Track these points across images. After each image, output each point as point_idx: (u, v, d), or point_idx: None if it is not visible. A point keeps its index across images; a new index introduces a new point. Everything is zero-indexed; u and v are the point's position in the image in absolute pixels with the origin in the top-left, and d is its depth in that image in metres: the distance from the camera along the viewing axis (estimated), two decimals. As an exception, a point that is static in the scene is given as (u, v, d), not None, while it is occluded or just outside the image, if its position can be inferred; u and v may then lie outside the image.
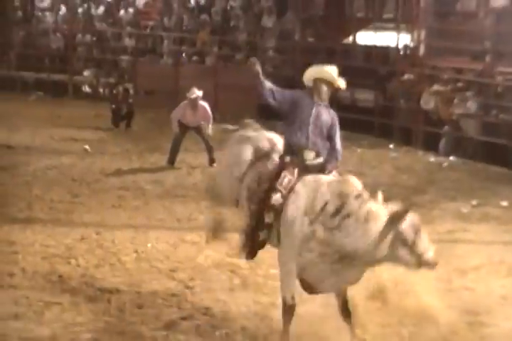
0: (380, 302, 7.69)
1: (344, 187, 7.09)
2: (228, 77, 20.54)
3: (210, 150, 14.65)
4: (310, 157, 7.41)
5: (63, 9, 24.91)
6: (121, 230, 10.79)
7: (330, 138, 7.54)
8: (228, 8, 22.92)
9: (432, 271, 7.04)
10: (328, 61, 19.45)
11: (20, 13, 25.31)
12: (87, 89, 23.06)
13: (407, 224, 6.78)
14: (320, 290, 7.32)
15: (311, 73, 7.70)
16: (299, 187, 7.20)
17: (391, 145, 17.38)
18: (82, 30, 24.16)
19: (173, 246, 10.20)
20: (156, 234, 10.61)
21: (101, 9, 24.66)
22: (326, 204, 6.98)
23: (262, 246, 7.45)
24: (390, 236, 6.78)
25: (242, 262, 9.58)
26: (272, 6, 21.63)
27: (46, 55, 23.97)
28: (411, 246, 6.78)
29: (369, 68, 19.09)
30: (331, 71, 7.62)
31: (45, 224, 10.99)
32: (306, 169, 7.36)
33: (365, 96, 19.00)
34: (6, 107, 20.08)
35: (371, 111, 18.62)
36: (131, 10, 24.25)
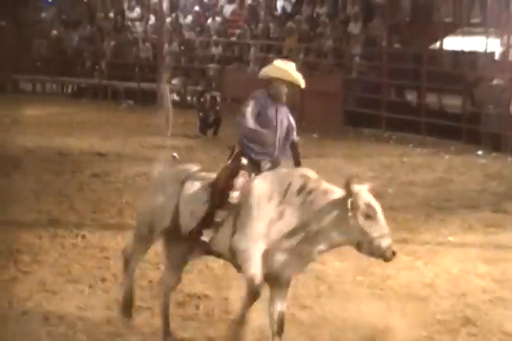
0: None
1: (304, 171, 7.15)
2: (314, 83, 20.50)
3: (296, 155, 14.68)
4: (266, 167, 7.28)
5: (152, 19, 25.25)
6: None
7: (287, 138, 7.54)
8: (314, 15, 22.90)
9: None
10: (415, 67, 19.62)
11: (111, 24, 25.66)
12: (175, 97, 23.29)
13: (357, 203, 6.75)
14: (278, 273, 7.06)
15: (270, 71, 7.47)
16: (258, 180, 7.10)
17: (479, 152, 17.14)
18: (170, 40, 24.41)
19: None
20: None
21: (189, 18, 24.92)
22: (290, 184, 6.92)
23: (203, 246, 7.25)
24: (343, 215, 6.74)
25: (330, 269, 9.64)
26: (359, 13, 21.54)
27: (136, 64, 24.30)
28: (362, 228, 6.72)
29: (456, 74, 18.87)
30: (291, 69, 7.43)
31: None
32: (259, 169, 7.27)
33: (453, 102, 18.79)
34: (98, 115, 20.47)
35: (459, 117, 18.37)
36: (218, 19, 24.42)
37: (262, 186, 7.08)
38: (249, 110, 7.30)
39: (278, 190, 6.96)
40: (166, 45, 24.22)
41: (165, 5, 24.73)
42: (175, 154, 16.18)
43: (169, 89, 22.97)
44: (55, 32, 25.59)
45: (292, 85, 7.46)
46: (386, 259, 6.77)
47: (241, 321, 7.04)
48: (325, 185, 6.99)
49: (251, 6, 24.45)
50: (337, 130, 19.72)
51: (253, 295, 6.97)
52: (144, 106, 22.33)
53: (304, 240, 6.87)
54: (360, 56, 21.18)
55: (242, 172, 7.21)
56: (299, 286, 9.00)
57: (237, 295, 8.68)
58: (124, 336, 7.45)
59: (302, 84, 7.47)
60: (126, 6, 26.16)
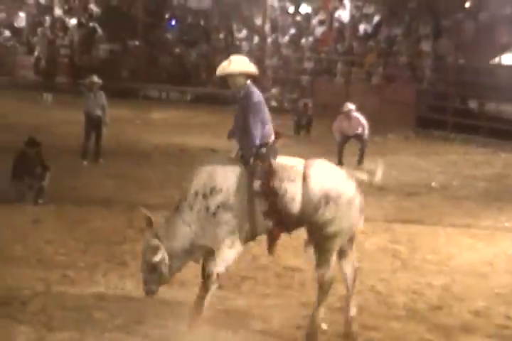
0: None
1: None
2: (391, 93, 20.35)
3: (362, 153, 14.57)
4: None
5: (256, 39, 25.35)
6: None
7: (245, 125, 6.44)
8: (391, 35, 22.69)
9: None
10: (477, 79, 19.29)
11: (222, 43, 25.87)
12: (274, 103, 23.35)
13: None
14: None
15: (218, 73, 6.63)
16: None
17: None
18: (270, 56, 24.49)
19: (344, 234, 10.19)
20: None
21: (286, 38, 24.94)
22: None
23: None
24: None
25: (403, 248, 9.54)
26: (429, 33, 21.27)
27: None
28: None
29: (512, 85, 18.57)
30: (224, 63, 6.58)
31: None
32: None
33: (509, 109, 18.46)
34: (211, 118, 20.64)
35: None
36: (310, 38, 24.40)
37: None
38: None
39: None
40: (267, 60, 24.31)
41: (267, 27, 24.81)
42: (274, 150, 16.23)
43: (270, 96, 23.22)
44: (177, 50, 25.94)
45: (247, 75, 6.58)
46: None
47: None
48: None
49: (338, 28, 24.37)
50: (410, 132, 19.52)
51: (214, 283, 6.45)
52: (249, 110, 22.36)
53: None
54: (430, 69, 20.91)
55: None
56: (377, 262, 8.98)
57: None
58: (232, 300, 7.50)
59: (219, 71, 6.59)
60: (235, 28, 26.33)
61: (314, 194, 6.41)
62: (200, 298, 6.36)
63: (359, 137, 14.65)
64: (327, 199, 6.46)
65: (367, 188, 13.02)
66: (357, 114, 14.65)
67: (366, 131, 14.69)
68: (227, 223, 6.34)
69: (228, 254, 6.45)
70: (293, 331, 6.92)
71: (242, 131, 6.46)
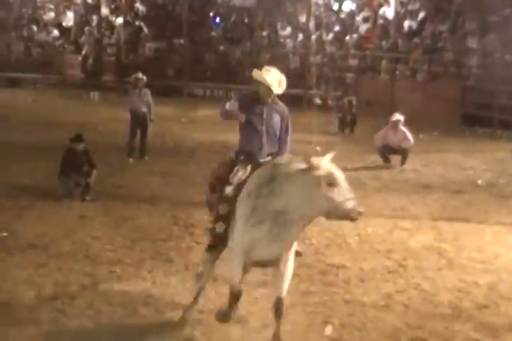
0: None
1: (278, 159, 6.32)
2: (436, 89, 20.16)
3: (404, 157, 14.47)
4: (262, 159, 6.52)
5: (300, 36, 25.30)
6: (346, 216, 10.80)
7: (280, 135, 6.61)
8: (437, 31, 22.47)
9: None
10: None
11: (266, 40, 25.87)
12: (318, 101, 23.31)
13: (318, 173, 5.81)
14: (263, 260, 6.25)
15: (254, 75, 6.60)
16: (250, 178, 6.29)
17: None
18: (315, 53, 24.42)
19: (389, 231, 10.10)
20: (375, 221, 10.51)
21: (330, 35, 24.85)
22: (262, 177, 6.13)
23: (220, 239, 6.47)
24: (307, 187, 5.84)
25: (448, 246, 9.45)
26: (476, 29, 21.01)
27: (286, 73, 24.31)
28: (327, 195, 5.76)
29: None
30: (272, 76, 6.52)
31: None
32: (258, 165, 6.41)
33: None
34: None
35: None
36: (355, 35, 24.27)
37: (248, 184, 6.26)
38: (228, 103, 6.61)
39: (256, 185, 6.15)
40: (312, 58, 24.25)
41: (311, 24, 24.73)
42: (318, 148, 16.28)
43: (314, 94, 23.19)
44: (222, 47, 26.02)
45: (269, 89, 6.51)
46: (352, 219, 5.88)
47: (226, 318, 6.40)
48: (288, 167, 6.06)
49: (382, 25, 24.21)
50: (455, 129, 19.30)
51: (235, 297, 6.28)
52: (292, 107, 22.30)
53: (274, 224, 6.00)
54: (476, 66, 20.65)
55: (237, 167, 6.49)
56: (422, 260, 8.92)
57: (371, 265, 8.70)
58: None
59: (275, 89, 6.51)
60: (279, 25, 26.31)
61: None
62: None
63: (402, 151, 14.48)
64: None
65: (412, 187, 13.07)
66: (404, 128, 14.47)
67: (410, 146, 14.49)
68: None
69: None
70: (336, 328, 6.91)
71: (273, 139, 6.59)
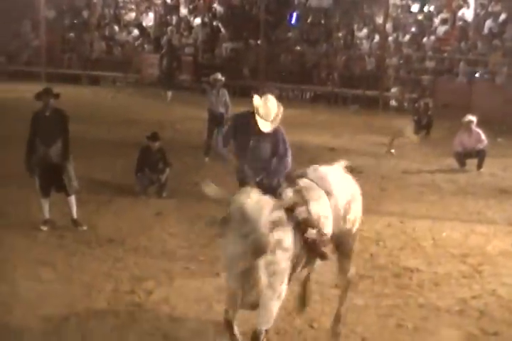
0: None
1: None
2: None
3: (481, 159, 14.22)
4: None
5: (377, 38, 25.11)
6: (420, 220, 10.69)
7: (277, 157, 6.41)
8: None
9: None
10: None
11: (342, 42, 25.76)
12: (394, 103, 23.11)
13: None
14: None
15: (254, 102, 6.38)
16: None
17: None
18: (391, 55, 24.21)
19: (465, 236, 9.96)
20: (450, 225, 10.43)
21: (407, 37, 24.59)
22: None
23: None
24: None
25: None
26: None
27: (362, 75, 24.25)
28: None
29: None
30: (267, 109, 6.30)
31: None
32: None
33: None
34: (330, 117, 20.64)
35: None
36: (432, 37, 23.98)
37: None
38: (225, 131, 6.76)
39: None
40: (388, 60, 24.04)
41: (388, 26, 24.51)
42: (393, 150, 16.13)
43: (390, 96, 22.97)
44: (298, 48, 26.01)
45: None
46: None
47: None
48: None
49: (461, 27, 23.84)
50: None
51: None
52: (368, 110, 22.22)
53: None
54: None
55: None
56: (499, 266, 8.76)
57: (446, 270, 8.59)
58: (352, 299, 7.49)
59: (263, 127, 6.28)
60: (355, 26, 26.16)
61: (342, 203, 6.37)
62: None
63: (477, 153, 14.27)
64: (351, 201, 6.49)
65: (489, 191, 12.82)
66: (478, 129, 14.27)
67: (484, 146, 14.26)
68: None
69: None
70: (409, 332, 6.86)
71: (259, 165, 6.41)
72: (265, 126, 6.30)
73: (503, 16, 22.98)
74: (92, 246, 9.08)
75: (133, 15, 29.47)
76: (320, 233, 6.00)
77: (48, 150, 9.44)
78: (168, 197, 11.49)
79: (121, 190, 11.75)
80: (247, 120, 6.43)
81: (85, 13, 29.66)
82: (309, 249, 5.98)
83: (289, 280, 5.91)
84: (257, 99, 6.42)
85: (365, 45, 25.39)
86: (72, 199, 9.75)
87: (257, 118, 6.31)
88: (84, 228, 9.73)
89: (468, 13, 23.91)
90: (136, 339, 6.54)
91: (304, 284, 6.96)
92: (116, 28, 28.90)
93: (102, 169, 13.02)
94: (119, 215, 10.50)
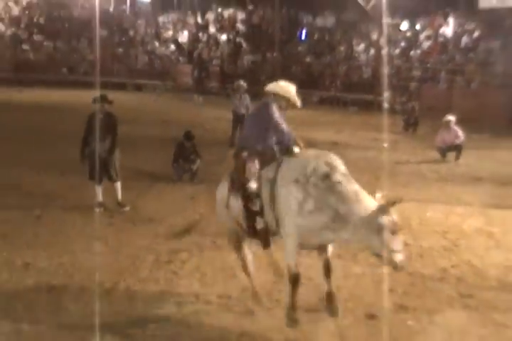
0: None
1: (329, 157, 5.62)
2: (487, 97, 19.53)
3: (459, 152, 14.06)
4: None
5: (372, 51, 24.92)
6: (408, 202, 10.44)
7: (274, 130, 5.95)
8: (489, 48, 21.75)
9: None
10: None
11: (343, 55, 25.60)
12: (386, 105, 22.90)
13: (389, 220, 5.35)
14: (307, 246, 5.74)
15: (273, 87, 6.11)
16: (283, 167, 5.61)
17: None
18: (384, 65, 23.98)
19: (445, 216, 9.85)
20: (433, 207, 10.32)
21: (397, 50, 24.40)
22: (314, 168, 5.45)
23: (265, 234, 5.78)
24: (374, 223, 5.29)
25: (496, 229, 9.15)
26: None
27: (359, 81, 24.10)
28: (385, 240, 5.29)
29: None
30: (290, 89, 6.07)
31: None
32: (263, 156, 5.86)
33: None
34: (334, 117, 20.54)
35: None
36: (418, 51, 23.80)
37: (285, 175, 5.57)
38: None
39: (302, 174, 5.48)
40: (381, 69, 23.84)
41: (381, 41, 24.31)
42: (385, 144, 15.99)
43: (383, 99, 22.79)
44: (306, 60, 25.87)
45: (288, 102, 6.09)
46: (393, 268, 5.54)
47: (293, 305, 5.74)
48: (355, 186, 5.50)
49: (442, 42, 23.64)
50: (504, 131, 18.32)
51: (294, 280, 5.68)
52: (365, 111, 22.12)
53: (332, 221, 5.45)
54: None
55: (248, 164, 5.86)
56: (473, 241, 8.64)
57: (429, 244, 8.48)
58: (349, 268, 7.42)
59: (298, 102, 6.09)
60: (354, 42, 25.96)
61: None
62: None
63: (455, 147, 14.12)
64: None
65: (466, 178, 12.67)
66: (456, 127, 14.12)
67: (461, 141, 14.10)
68: None
69: None
70: (400, 295, 6.79)
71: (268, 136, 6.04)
72: (299, 101, 6.09)
73: (476, 33, 22.76)
74: (136, 224, 9.08)
75: (170, 33, 29.45)
76: None
77: (98, 146, 9.38)
78: (199, 183, 11.46)
79: (160, 178, 11.76)
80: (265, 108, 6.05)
81: (131, 32, 29.65)
82: None
83: None
84: (276, 85, 6.10)
85: (363, 57, 25.24)
86: (118, 185, 9.71)
87: (288, 98, 6.00)
88: (127, 208, 9.70)
89: (448, 31, 23.71)
90: (173, 301, 6.53)
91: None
92: (156, 44, 28.90)
93: (145, 161, 13.02)
94: (158, 198, 10.50)
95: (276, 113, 6.04)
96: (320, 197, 5.42)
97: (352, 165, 13.94)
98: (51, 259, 7.59)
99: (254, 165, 5.85)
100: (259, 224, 5.80)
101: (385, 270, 7.35)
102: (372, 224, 5.36)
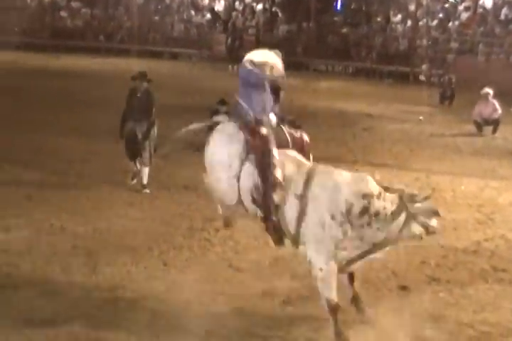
0: None
1: (365, 187, 5.05)
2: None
3: (495, 127, 13.78)
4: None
5: (409, 22, 24.41)
6: (443, 175, 10.46)
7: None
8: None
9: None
10: None
11: (380, 25, 25.14)
12: (422, 77, 22.53)
13: (411, 201, 5.04)
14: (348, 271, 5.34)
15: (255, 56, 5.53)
16: (315, 187, 5.06)
17: None
18: (421, 37, 23.56)
19: (480, 189, 9.74)
20: (468, 180, 10.21)
21: (435, 22, 23.86)
22: (351, 206, 4.98)
23: (279, 230, 5.26)
24: (403, 216, 5.03)
25: (532, 203, 9.00)
26: None
27: (395, 53, 23.67)
28: (419, 220, 5.06)
29: None
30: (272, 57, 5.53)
31: (392, 167, 10.89)
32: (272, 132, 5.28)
33: None
34: (367, 88, 20.23)
35: None
36: (456, 22, 23.23)
37: (319, 207, 5.02)
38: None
39: (338, 211, 4.99)
40: (418, 41, 23.41)
41: (419, 12, 23.82)
42: (421, 117, 15.77)
43: (419, 72, 22.39)
44: (344, 30, 25.46)
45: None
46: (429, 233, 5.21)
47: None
48: (388, 203, 5.04)
49: (481, 13, 23.01)
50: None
51: (334, 311, 5.15)
52: (401, 83, 21.74)
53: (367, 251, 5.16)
54: None
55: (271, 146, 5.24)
56: (509, 215, 8.53)
57: (463, 217, 8.36)
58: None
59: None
60: (391, 12, 25.44)
61: None
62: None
63: (493, 121, 13.85)
64: None
65: (502, 152, 12.45)
66: (494, 100, 13.82)
67: (499, 115, 13.82)
68: None
69: None
70: (432, 267, 6.73)
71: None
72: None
73: (517, 4, 22.13)
74: (171, 192, 9.11)
75: (206, 1, 29.18)
76: None
77: (134, 127, 9.11)
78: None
79: (196, 146, 11.67)
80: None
81: (168, 0, 29.46)
82: None
83: None
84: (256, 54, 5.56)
85: (399, 28, 24.72)
86: (146, 170, 9.20)
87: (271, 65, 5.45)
88: (148, 191, 9.10)
89: (487, 2, 23.09)
90: (206, 268, 6.57)
91: None
92: (192, 12, 28.68)
93: (179, 128, 12.96)
94: (192, 167, 10.37)
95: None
96: (357, 235, 5.06)
97: (386, 136, 13.95)
98: (87, 224, 7.67)
99: (275, 149, 5.23)
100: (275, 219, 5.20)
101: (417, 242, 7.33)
102: (404, 232, 5.14)
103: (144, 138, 9.19)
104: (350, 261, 5.17)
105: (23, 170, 9.75)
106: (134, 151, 9.22)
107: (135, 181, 9.37)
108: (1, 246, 6.93)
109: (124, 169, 9.70)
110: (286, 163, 5.25)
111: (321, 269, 5.08)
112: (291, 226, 5.16)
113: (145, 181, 9.25)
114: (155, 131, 9.30)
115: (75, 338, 5.22)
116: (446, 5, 24.22)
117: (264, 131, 5.29)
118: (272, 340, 5.33)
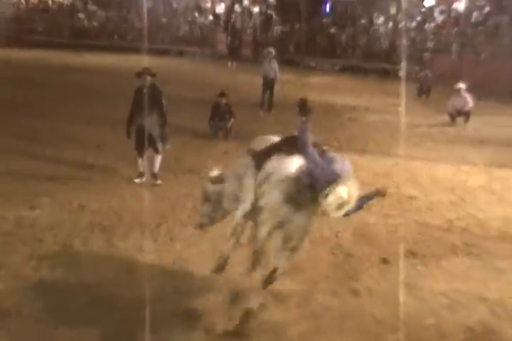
0: None
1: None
2: (495, 67, 18.93)
3: (467, 118, 13.74)
4: None
5: (390, 24, 24.23)
6: (420, 161, 10.40)
7: None
8: (497, 22, 21.02)
9: None
10: None
11: (364, 27, 24.96)
12: (402, 73, 22.34)
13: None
14: None
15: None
16: None
17: None
18: (400, 37, 23.38)
19: (453, 173, 9.73)
20: (441, 166, 10.18)
21: (413, 24, 23.67)
22: None
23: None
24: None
25: (498, 186, 8.97)
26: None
27: (378, 52, 23.53)
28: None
29: None
30: None
31: (373, 153, 10.86)
32: None
33: None
34: (354, 84, 20.13)
35: None
36: (432, 24, 23.11)
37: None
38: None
39: None
40: (398, 41, 23.23)
41: (399, 15, 23.64)
42: (400, 109, 15.65)
43: (399, 68, 22.23)
44: (331, 30, 25.26)
45: None
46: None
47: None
48: None
49: (455, 17, 22.87)
50: (510, 98, 17.99)
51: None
52: (383, 78, 21.58)
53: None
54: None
55: None
56: (477, 196, 8.50)
57: (438, 198, 8.34)
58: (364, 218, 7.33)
59: None
60: (374, 15, 25.22)
61: None
62: None
63: (465, 113, 13.79)
64: None
65: (472, 141, 12.41)
66: (466, 94, 13.74)
67: (470, 107, 13.75)
68: None
69: None
70: (410, 243, 6.71)
71: None
72: None
73: (486, 9, 22.00)
74: (176, 174, 9.06)
75: (209, 5, 28.95)
76: None
77: (143, 121, 8.42)
78: (232, 140, 11.34)
79: (199, 134, 11.69)
80: None
81: (174, 4, 29.21)
82: None
83: None
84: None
85: (381, 29, 24.58)
86: (158, 158, 8.61)
87: None
88: (159, 182, 8.60)
89: (460, 6, 22.96)
90: (208, 243, 6.53)
91: None
92: (196, 14, 28.46)
93: (185, 119, 12.88)
94: (196, 152, 10.45)
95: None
96: None
97: (369, 126, 13.88)
98: (103, 202, 7.64)
99: None
100: None
101: (397, 221, 7.32)
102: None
103: (159, 124, 8.47)
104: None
105: (46, 154, 9.68)
106: (143, 146, 8.46)
107: (139, 180, 8.64)
108: (28, 222, 6.93)
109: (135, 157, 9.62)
110: None
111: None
112: None
113: (156, 169, 8.62)
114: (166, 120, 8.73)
115: (97, 296, 5.29)
116: (423, 9, 24.10)
117: None
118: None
